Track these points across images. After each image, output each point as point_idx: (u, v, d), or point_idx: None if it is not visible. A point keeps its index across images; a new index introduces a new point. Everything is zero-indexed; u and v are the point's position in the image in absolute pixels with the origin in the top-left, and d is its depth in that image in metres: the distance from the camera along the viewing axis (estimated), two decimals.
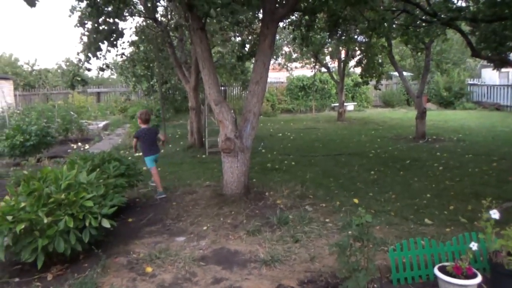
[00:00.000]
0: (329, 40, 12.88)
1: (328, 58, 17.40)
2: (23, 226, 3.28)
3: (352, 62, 15.68)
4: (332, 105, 21.16)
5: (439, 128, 12.69)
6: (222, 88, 18.82)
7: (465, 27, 9.42)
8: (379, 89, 14.93)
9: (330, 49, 15.91)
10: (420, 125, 10.76)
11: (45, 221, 3.35)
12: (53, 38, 58.48)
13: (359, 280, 2.68)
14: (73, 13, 7.62)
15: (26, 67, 27.70)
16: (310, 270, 3.42)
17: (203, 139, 10.01)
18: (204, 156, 9.02)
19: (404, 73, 13.05)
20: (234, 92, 21.74)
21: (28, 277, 3.46)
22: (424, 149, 9.23)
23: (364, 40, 11.49)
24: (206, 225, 4.57)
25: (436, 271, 2.91)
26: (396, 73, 13.57)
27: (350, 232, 3.09)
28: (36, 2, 3.68)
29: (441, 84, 21.13)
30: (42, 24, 57.51)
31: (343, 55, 15.96)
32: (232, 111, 5.64)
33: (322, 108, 21.37)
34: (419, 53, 12.13)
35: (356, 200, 5.21)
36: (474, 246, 2.93)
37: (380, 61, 12.51)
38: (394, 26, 8.45)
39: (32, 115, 11.85)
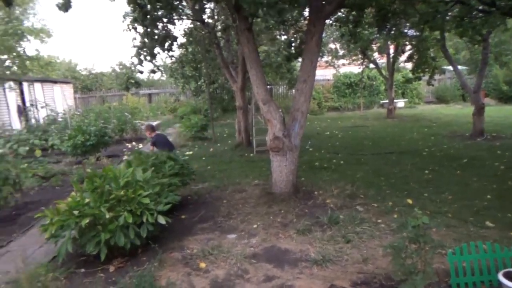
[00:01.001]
0: (378, 35, 12.52)
1: (376, 54, 16.90)
2: (87, 221, 3.51)
3: (403, 57, 15.14)
4: (381, 102, 20.54)
5: (499, 125, 11.89)
6: (268, 87, 18.89)
7: None
8: (432, 85, 14.27)
9: (378, 44, 15.44)
10: (478, 122, 10.15)
11: (107, 216, 3.57)
12: (108, 43, 61.76)
13: (416, 283, 2.59)
14: (125, 19, 8.01)
15: (84, 71, 29.44)
16: (363, 272, 3.36)
17: (251, 138, 10.12)
18: (251, 154, 9.12)
19: (459, 67, 12.35)
20: (280, 91, 21.73)
21: (92, 268, 3.71)
22: (482, 147, 8.70)
23: (415, 34, 11.04)
24: (256, 223, 4.63)
25: (501, 277, 2.75)
26: (450, 67, 12.87)
27: (405, 234, 3.00)
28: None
29: (501, 78, 19.75)
30: (98, 30, 60.87)
31: (392, 50, 15.43)
32: (280, 110, 5.66)
33: (370, 106, 20.81)
34: (476, 46, 11.42)
35: (410, 201, 5.03)
36: None
37: (432, 55, 11.96)
38: (448, 18, 8.03)
39: (90, 116, 12.59)
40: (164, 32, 7.11)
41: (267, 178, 6.41)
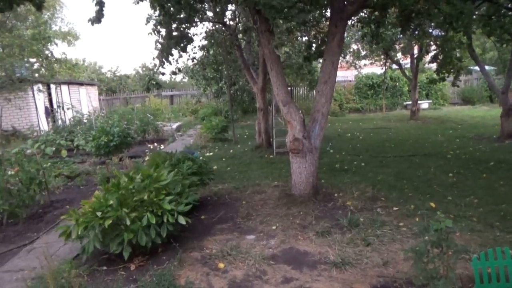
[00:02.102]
0: (401, 35, 12.29)
1: (399, 54, 16.60)
2: (110, 222, 3.58)
3: (427, 58, 14.81)
4: (405, 103, 20.17)
5: None
6: (289, 88, 18.86)
7: None
8: (457, 86, 13.92)
9: (401, 45, 15.17)
10: (506, 124, 9.82)
11: (128, 223, 3.63)
12: (132, 46, 63.12)
13: None
14: (149, 21, 8.15)
15: (109, 73, 30.18)
16: (383, 275, 3.30)
17: (271, 140, 10.11)
18: (271, 156, 9.11)
19: (486, 67, 11.99)
20: (301, 92, 21.65)
21: (113, 266, 3.78)
22: (511, 149, 8.40)
23: (440, 34, 10.77)
24: (275, 225, 4.62)
25: None
26: (476, 68, 12.51)
27: (427, 238, 2.93)
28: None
29: None
30: (123, 33, 62.28)
31: (416, 50, 15.12)
32: (300, 111, 5.63)
33: (393, 107, 20.47)
34: (505, 45, 11.06)
35: (433, 204, 4.91)
36: None
37: (458, 55, 11.65)
38: (474, 17, 7.80)
39: (114, 117, 12.87)
40: (180, 32, 7.20)
41: (287, 179, 6.39)
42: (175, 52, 7.76)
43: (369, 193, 5.51)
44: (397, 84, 20.74)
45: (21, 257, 4.28)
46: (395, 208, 4.93)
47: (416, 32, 9.95)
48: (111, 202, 3.83)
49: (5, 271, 3.92)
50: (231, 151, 10.27)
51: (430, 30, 10.93)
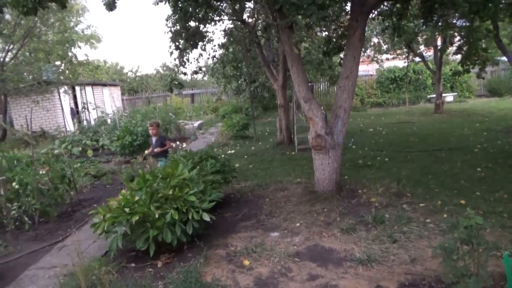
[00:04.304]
0: (424, 27, 11.99)
1: (422, 46, 16.21)
2: (137, 218, 3.67)
3: (451, 49, 14.41)
4: (428, 96, 19.71)
5: None
6: (309, 84, 18.74)
7: None
8: (483, 78, 13.48)
9: (424, 36, 14.80)
10: None
11: (156, 216, 3.71)
12: (152, 46, 64.00)
13: (469, 287, 2.47)
14: (168, 21, 8.25)
15: (130, 74, 30.72)
16: (410, 273, 3.25)
17: (292, 136, 10.08)
18: (293, 153, 9.08)
19: None
20: (321, 88, 21.46)
21: (141, 263, 3.87)
22: None
23: (464, 24, 10.45)
24: (299, 222, 4.62)
25: None
26: (504, 58, 12.08)
27: (456, 235, 2.86)
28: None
29: None
30: (143, 33, 63.21)
31: (439, 42, 14.73)
32: (322, 107, 5.59)
33: (416, 101, 20.03)
34: None
35: (462, 201, 4.78)
36: None
37: (484, 46, 11.28)
38: (501, 5, 7.52)
39: (137, 117, 13.10)
40: (193, 29, 7.27)
41: (309, 176, 6.36)
42: (195, 51, 7.86)
43: (394, 189, 5.42)
44: (420, 77, 20.29)
45: (53, 254, 4.44)
46: (421, 204, 4.84)
47: (440, 23, 9.70)
48: (137, 198, 3.92)
49: (39, 268, 4.07)
50: (253, 148, 10.30)
51: (454, 21, 10.63)
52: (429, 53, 16.64)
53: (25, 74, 14.22)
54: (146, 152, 6.66)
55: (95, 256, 4.09)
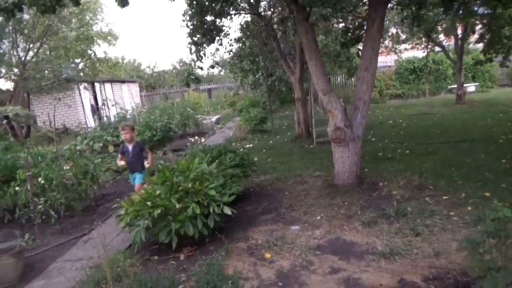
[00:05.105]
0: (444, 16, 11.70)
1: (442, 35, 15.81)
2: (159, 211, 3.73)
3: (473, 38, 14.02)
4: (449, 87, 19.25)
5: None
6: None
7: None
8: (507, 66, 13.05)
9: (444, 25, 14.42)
10: None
11: (177, 206, 3.77)
12: (168, 42, 64.50)
13: (497, 280, 2.42)
14: (184, 16, 8.30)
15: (148, 70, 31.04)
16: (434, 266, 3.21)
17: (310, 129, 10.03)
18: (312, 146, 9.04)
19: None
20: (339, 80, 21.23)
21: (164, 256, 3.94)
22: None
23: (486, 11, 10.14)
24: (320, 215, 4.60)
25: None
26: None
27: (481, 227, 2.80)
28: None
29: None
30: (159, 29, 63.72)
31: (460, 31, 14.34)
32: (341, 100, 5.54)
33: (437, 91, 19.60)
34: None
35: (487, 194, 4.67)
36: None
37: (507, 33, 10.92)
38: None
39: (156, 113, 13.25)
40: (209, 23, 7.29)
41: (329, 169, 6.33)
42: (212, 46, 7.89)
43: (416, 182, 5.34)
44: (441, 67, 19.83)
45: (79, 247, 4.56)
46: (444, 197, 4.75)
47: (460, 11, 9.43)
48: (159, 192, 3.98)
49: (66, 260, 4.19)
50: (271, 142, 10.30)
51: (476, 8, 10.32)
52: (449, 42, 16.23)
53: (46, 72, 14.54)
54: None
55: (119, 248, 4.18)
